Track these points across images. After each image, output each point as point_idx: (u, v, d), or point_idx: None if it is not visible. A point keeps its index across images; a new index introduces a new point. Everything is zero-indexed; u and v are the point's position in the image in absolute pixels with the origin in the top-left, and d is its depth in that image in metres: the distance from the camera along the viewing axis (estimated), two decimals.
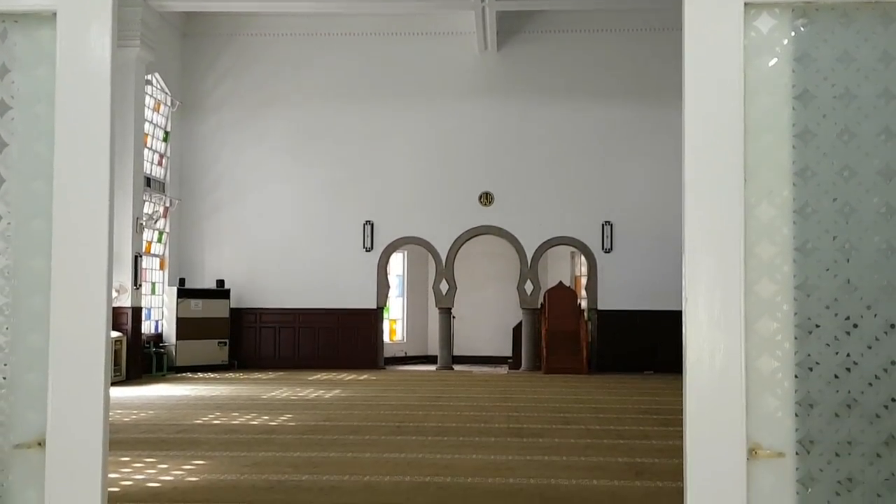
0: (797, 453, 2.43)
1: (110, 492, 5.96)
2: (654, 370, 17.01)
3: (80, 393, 2.68)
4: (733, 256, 2.47)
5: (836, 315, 2.44)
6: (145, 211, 15.63)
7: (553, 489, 6.16)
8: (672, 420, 9.89)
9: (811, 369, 2.44)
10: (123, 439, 8.36)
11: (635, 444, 8.16)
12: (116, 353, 14.31)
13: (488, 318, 19.76)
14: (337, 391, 13.15)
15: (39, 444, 2.68)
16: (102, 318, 2.71)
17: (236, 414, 10.28)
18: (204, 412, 10.44)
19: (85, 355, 2.69)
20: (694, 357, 2.50)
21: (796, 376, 2.44)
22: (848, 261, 2.45)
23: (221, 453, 7.56)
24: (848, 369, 2.42)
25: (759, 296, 2.49)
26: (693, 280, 2.54)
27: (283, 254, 17.80)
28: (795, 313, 2.44)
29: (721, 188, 2.49)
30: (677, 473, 6.74)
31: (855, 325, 2.44)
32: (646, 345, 17.27)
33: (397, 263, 19.96)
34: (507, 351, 18.51)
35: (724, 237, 2.49)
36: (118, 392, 12.80)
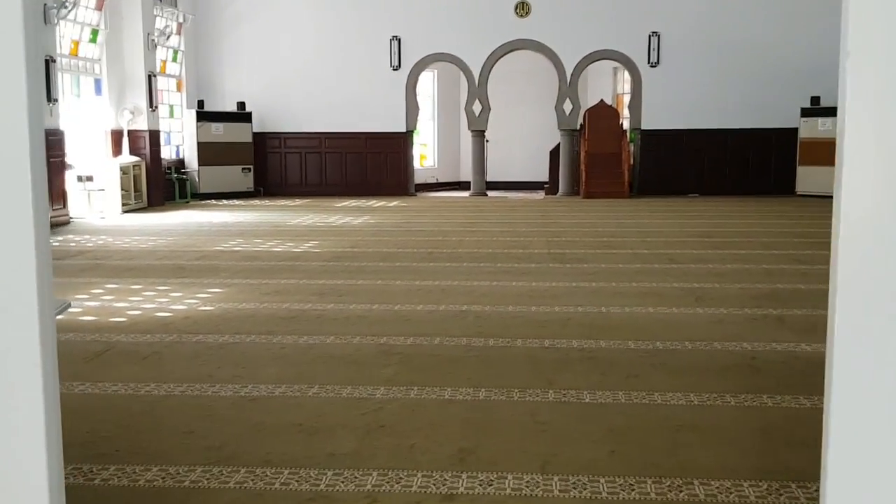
0: None
1: (116, 322, 5.44)
2: (699, 193, 16.20)
3: None
4: None
5: None
6: (156, 27, 14.57)
7: (603, 318, 5.52)
8: (728, 243, 9.17)
9: None
10: (138, 266, 7.83)
11: (690, 269, 7.47)
12: (136, 179, 13.75)
13: (524, 140, 18.85)
14: (365, 218, 12.54)
15: None
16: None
17: (259, 241, 9.72)
18: (226, 239, 9.89)
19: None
20: (854, 174, 1.66)
21: None
22: None
23: (241, 280, 7.01)
24: None
25: None
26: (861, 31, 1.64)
27: (305, 74, 16.79)
28: None
29: None
30: (741, 299, 6.08)
31: None
32: (692, 166, 16.38)
33: (427, 83, 18.87)
34: (544, 175, 17.69)
35: None
36: (138, 219, 12.32)
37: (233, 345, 4.87)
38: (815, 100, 15.58)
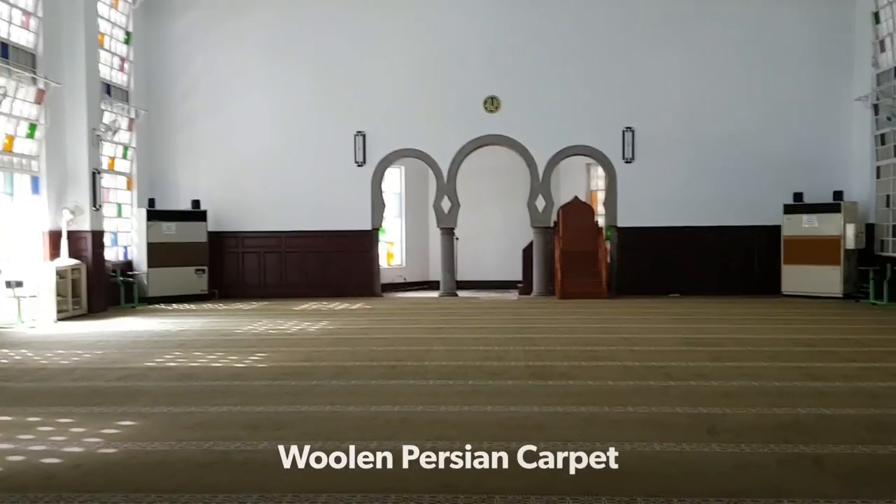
0: None
1: None
2: (680, 293, 15.33)
3: None
4: None
5: None
6: (104, 121, 13.68)
7: (602, 459, 4.45)
8: (726, 353, 8.17)
9: None
10: (47, 389, 6.67)
11: (691, 388, 6.44)
12: (75, 283, 12.58)
13: (495, 238, 17.99)
14: (324, 323, 11.44)
15: None
16: None
17: (200, 354, 8.57)
18: (162, 352, 8.72)
19: None
20: None
21: None
22: None
23: (163, 409, 5.86)
24: None
25: None
26: None
27: (265, 170, 15.97)
28: None
29: None
30: (762, 431, 4.85)
31: None
32: (671, 265, 15.57)
33: (394, 179, 18.09)
34: (517, 274, 16.76)
35: None
36: (73, 328, 11.14)
37: None
38: (798, 196, 14.94)
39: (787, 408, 5.65)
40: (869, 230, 14.73)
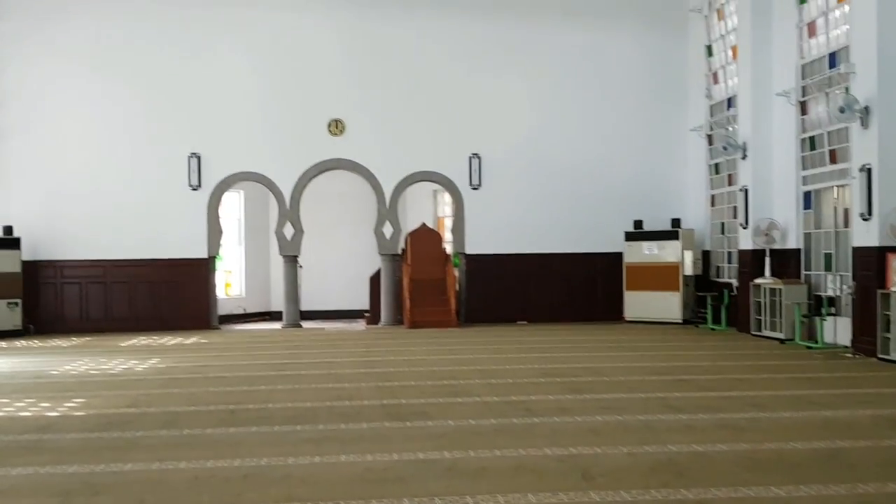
0: None
1: None
2: (527, 320, 15.23)
3: None
4: None
5: None
6: None
7: None
8: (584, 385, 7.93)
9: None
10: None
11: (556, 425, 6.09)
12: None
13: (341, 266, 17.31)
14: (154, 361, 10.43)
15: None
16: None
17: (6, 401, 7.49)
18: None
19: None
20: None
21: None
22: None
23: None
24: None
25: None
26: None
27: (88, 194, 14.74)
28: None
29: None
30: (638, 474, 3.84)
31: None
32: (518, 292, 15.47)
33: (232, 204, 17.11)
34: (364, 303, 16.16)
35: None
36: None
37: None
38: (638, 223, 15.22)
39: (658, 444, 5.38)
40: (705, 256, 15.18)
